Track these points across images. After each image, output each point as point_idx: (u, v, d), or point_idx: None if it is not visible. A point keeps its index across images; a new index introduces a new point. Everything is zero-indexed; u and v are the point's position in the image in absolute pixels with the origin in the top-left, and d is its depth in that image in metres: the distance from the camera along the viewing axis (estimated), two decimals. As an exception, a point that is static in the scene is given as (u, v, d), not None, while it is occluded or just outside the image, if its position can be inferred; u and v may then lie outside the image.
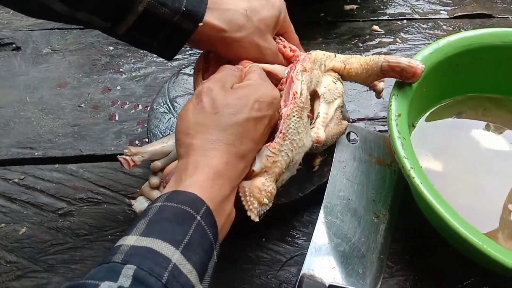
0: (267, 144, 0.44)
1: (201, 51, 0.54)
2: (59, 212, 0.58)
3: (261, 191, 0.43)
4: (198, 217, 0.36)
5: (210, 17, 0.48)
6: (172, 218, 0.36)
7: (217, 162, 0.40)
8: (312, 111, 0.51)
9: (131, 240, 0.34)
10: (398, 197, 0.56)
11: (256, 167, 0.44)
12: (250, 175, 0.44)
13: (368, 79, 0.54)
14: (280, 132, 0.44)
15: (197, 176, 0.39)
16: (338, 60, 0.54)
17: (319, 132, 0.48)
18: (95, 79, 0.74)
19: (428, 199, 0.44)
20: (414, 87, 0.54)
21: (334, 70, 0.54)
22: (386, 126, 0.63)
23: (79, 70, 0.75)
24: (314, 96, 0.51)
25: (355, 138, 0.59)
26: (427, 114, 0.61)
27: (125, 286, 0.30)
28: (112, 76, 0.74)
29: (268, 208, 0.44)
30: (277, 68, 0.52)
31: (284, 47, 0.54)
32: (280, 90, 0.49)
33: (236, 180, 0.42)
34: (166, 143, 0.53)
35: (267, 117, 0.43)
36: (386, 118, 0.67)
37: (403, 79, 0.52)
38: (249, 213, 0.42)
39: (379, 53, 0.76)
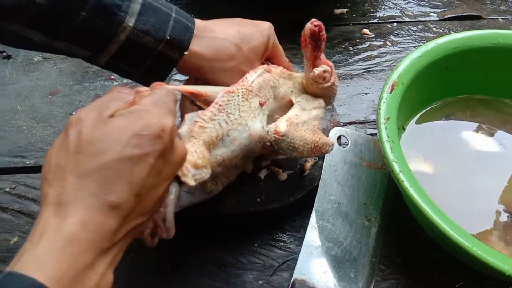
0: (200, 111, 0.44)
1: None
2: (51, 221, 0.58)
3: (192, 153, 0.40)
4: None
5: (197, 46, 0.47)
6: None
7: (71, 223, 0.30)
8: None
9: None
10: (390, 200, 0.56)
11: (182, 130, 0.43)
12: None
13: (309, 70, 0.50)
14: (216, 103, 0.45)
15: (42, 246, 0.29)
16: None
17: (280, 124, 0.47)
18: (86, 86, 0.74)
19: (418, 202, 0.44)
20: (403, 90, 0.54)
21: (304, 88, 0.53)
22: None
23: (70, 78, 0.75)
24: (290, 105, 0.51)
25: (345, 142, 0.59)
26: (417, 116, 0.62)
27: None
28: (103, 83, 0.74)
29: (205, 174, 0.40)
30: (208, 90, 0.47)
31: None
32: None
33: (107, 242, 0.32)
34: None
35: (150, 155, 0.33)
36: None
37: (312, 39, 0.48)
38: (183, 178, 0.38)
39: (370, 56, 0.77)
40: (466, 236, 0.42)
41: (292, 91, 0.51)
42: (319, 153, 0.50)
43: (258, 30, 0.51)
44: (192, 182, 0.39)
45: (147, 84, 0.48)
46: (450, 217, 0.44)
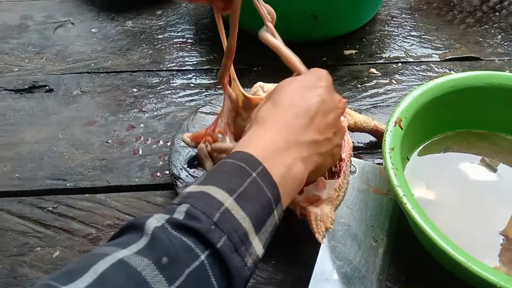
0: (334, 180, 0.55)
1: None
2: (89, 237, 0.64)
3: (328, 217, 0.52)
4: (254, 174, 0.38)
5: None
6: (229, 171, 0.38)
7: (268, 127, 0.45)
8: None
9: (189, 189, 0.37)
10: (395, 223, 0.62)
11: (325, 195, 0.53)
12: (316, 202, 0.53)
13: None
14: (343, 173, 0.56)
15: (249, 136, 0.44)
16: None
17: None
18: (120, 117, 0.81)
19: (419, 222, 0.50)
20: (406, 124, 0.61)
21: None
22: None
23: (106, 110, 0.83)
24: None
25: (354, 170, 0.65)
26: (420, 148, 0.67)
27: (179, 218, 0.33)
28: (136, 115, 0.82)
29: (327, 231, 0.53)
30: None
31: None
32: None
33: (297, 136, 0.45)
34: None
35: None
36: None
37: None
38: (317, 235, 0.51)
39: (377, 93, 0.84)
40: (461, 251, 0.47)
41: None
42: None
43: None
44: (322, 241, 0.52)
45: None
46: (451, 239, 0.49)
